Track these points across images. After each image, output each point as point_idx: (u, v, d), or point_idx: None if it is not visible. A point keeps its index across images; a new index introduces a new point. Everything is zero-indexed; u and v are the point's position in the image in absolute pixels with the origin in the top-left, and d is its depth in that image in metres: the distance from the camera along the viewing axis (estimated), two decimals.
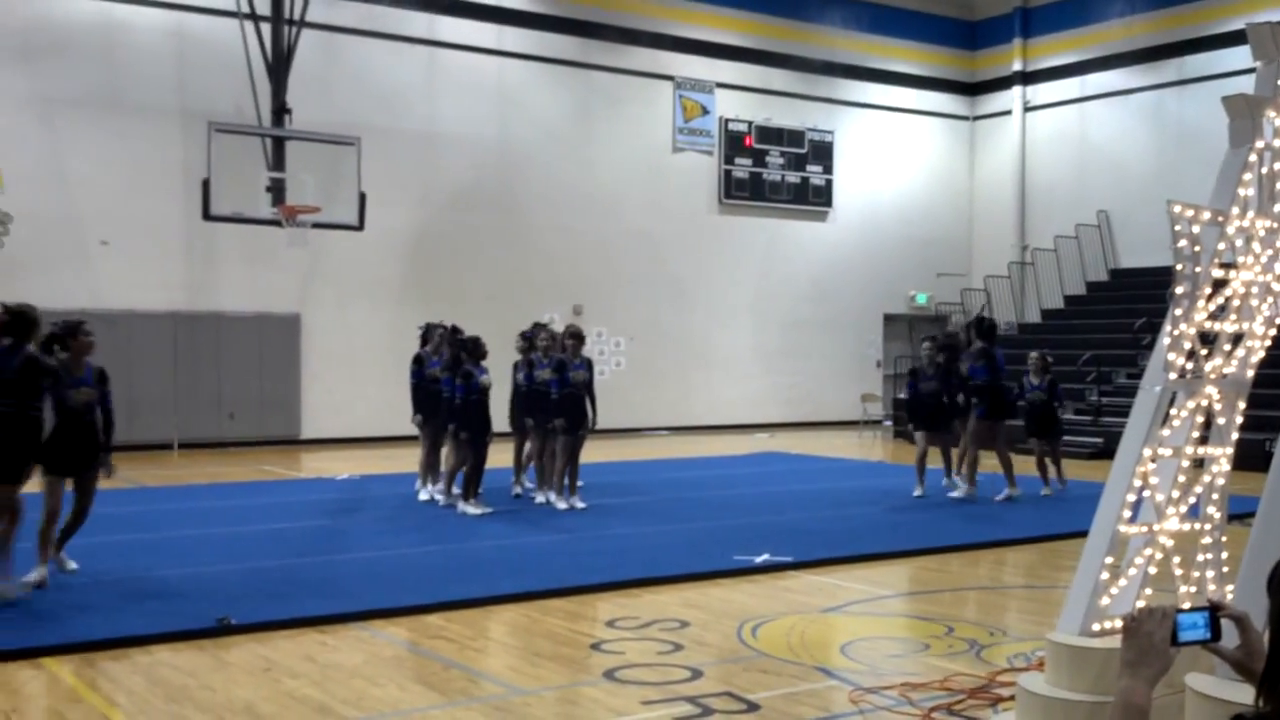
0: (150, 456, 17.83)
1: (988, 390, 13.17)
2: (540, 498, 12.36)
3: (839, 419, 25.05)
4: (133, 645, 6.86)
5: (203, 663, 6.63)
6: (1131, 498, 5.08)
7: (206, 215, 16.47)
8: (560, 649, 6.90)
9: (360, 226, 17.35)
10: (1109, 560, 5.03)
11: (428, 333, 12.79)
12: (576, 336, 12.24)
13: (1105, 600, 5.01)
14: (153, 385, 18.52)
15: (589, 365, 12.22)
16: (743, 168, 24.43)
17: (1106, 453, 17.98)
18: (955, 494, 13.22)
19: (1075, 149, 25.67)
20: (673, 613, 7.75)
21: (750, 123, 24.50)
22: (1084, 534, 5.28)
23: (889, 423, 23.86)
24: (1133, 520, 5.10)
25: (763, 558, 9.31)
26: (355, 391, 19.73)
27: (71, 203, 18.11)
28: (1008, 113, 26.85)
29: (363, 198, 17.11)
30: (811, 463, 17.51)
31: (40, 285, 17.80)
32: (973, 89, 27.58)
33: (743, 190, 24.44)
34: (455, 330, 12.19)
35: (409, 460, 14.13)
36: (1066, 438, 19.31)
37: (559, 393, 11.84)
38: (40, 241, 17.84)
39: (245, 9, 17.02)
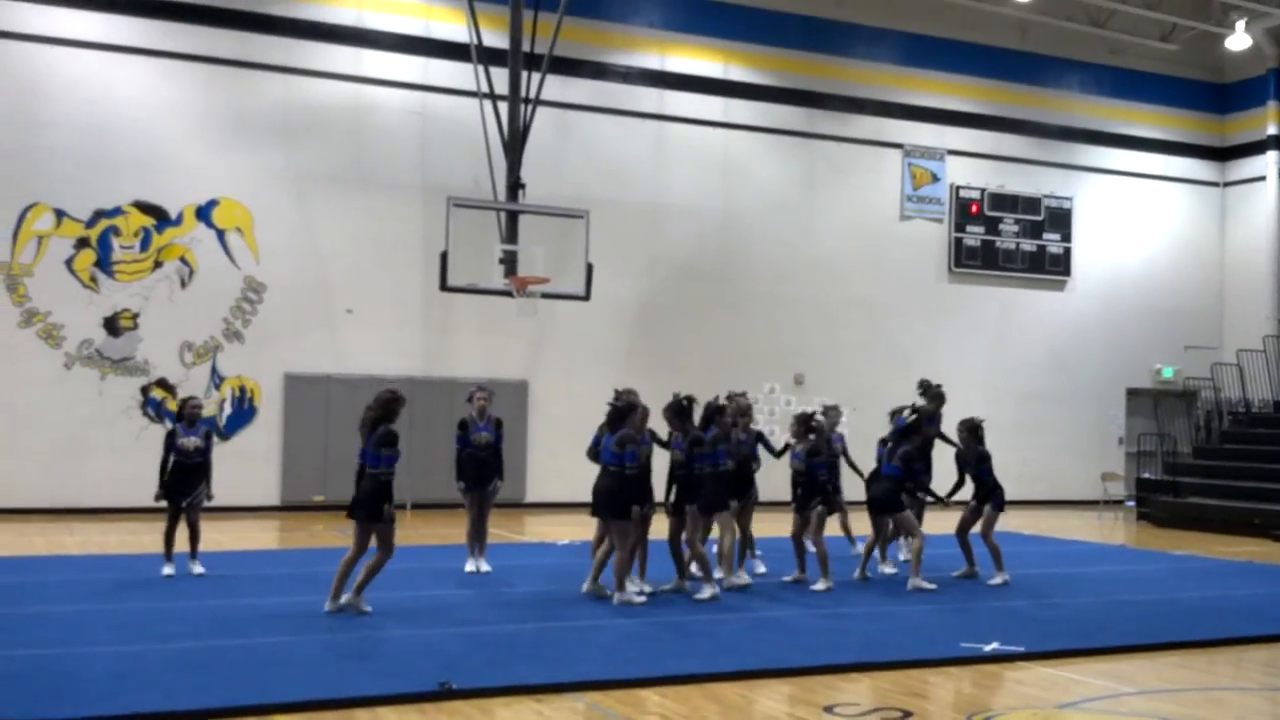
0: None
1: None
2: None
3: (1077, 498, 23.93)
4: (358, 705, 7.03)
5: None
6: None
7: (444, 286, 17.11)
8: None
9: (587, 297, 17.71)
10: None
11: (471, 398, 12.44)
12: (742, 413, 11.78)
13: None
14: None
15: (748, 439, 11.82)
16: (974, 235, 23.85)
17: None
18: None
19: None
20: (895, 701, 7.44)
21: (983, 190, 23.94)
22: None
23: (1132, 503, 22.63)
24: None
25: (992, 646, 8.86)
26: (579, 457, 19.89)
27: (320, 273, 19.16)
28: (1261, 178, 25.40)
29: (590, 269, 17.48)
30: (1046, 545, 16.71)
31: (289, 350, 18.94)
32: (1223, 154, 26.22)
33: (974, 258, 23.85)
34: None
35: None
36: None
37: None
38: (291, 309, 18.95)
39: (485, 89, 17.75)
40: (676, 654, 8.49)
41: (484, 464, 12.25)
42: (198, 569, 11.62)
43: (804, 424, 11.85)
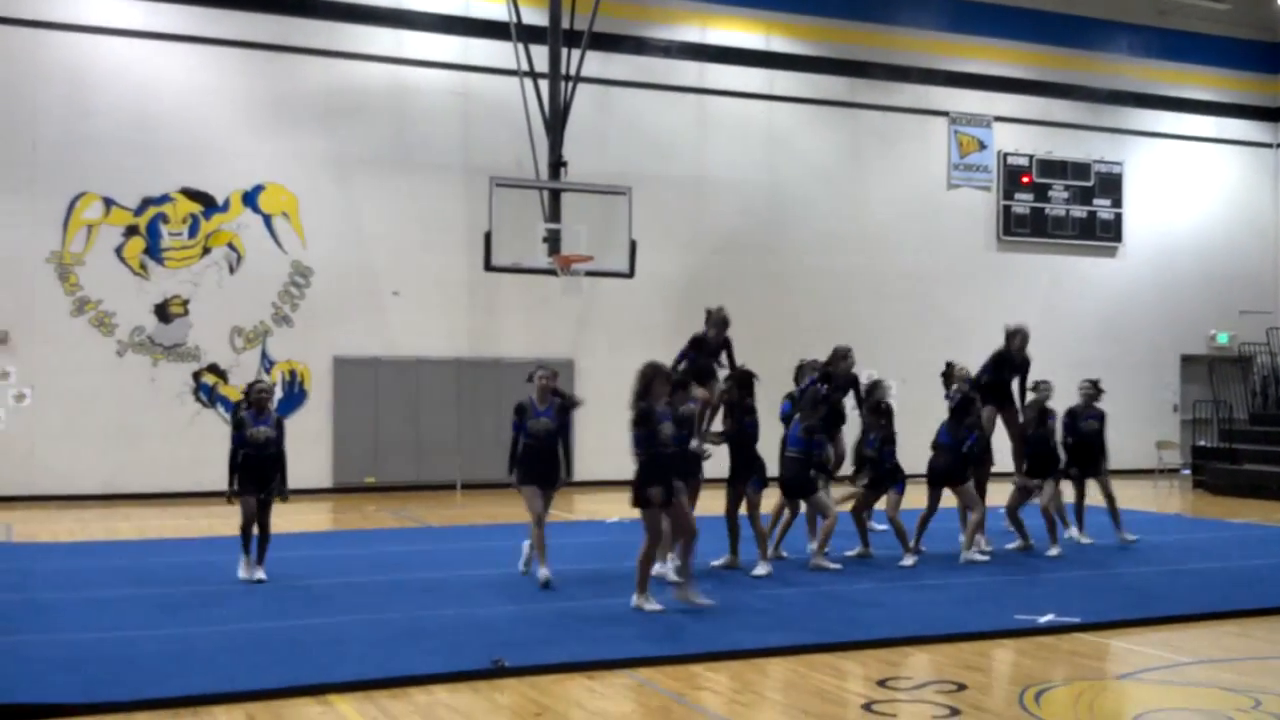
0: (436, 496, 18.67)
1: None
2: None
3: (1131, 467, 23.61)
4: (412, 684, 7.07)
5: (477, 704, 6.77)
6: None
7: (488, 266, 17.15)
8: (829, 708, 6.67)
9: (631, 274, 17.70)
10: None
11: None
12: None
13: None
14: (438, 428, 19.41)
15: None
16: (1023, 203, 23.55)
17: None
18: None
19: None
20: (949, 674, 7.39)
21: (1031, 156, 23.62)
22: None
23: (1188, 471, 22.32)
24: None
25: (1047, 618, 8.78)
26: (626, 434, 19.99)
27: (366, 256, 19.24)
28: None
29: (633, 245, 17.45)
30: (1101, 515, 16.49)
31: (337, 333, 19.05)
32: (1276, 114, 25.69)
33: (1023, 226, 23.55)
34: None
35: None
36: None
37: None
38: (338, 293, 19.05)
39: (525, 68, 17.71)
40: (730, 629, 8.48)
41: (542, 455, 10.38)
42: (259, 574, 10.36)
43: (876, 412, 11.78)
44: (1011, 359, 12.77)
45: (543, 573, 10.05)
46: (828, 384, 11.93)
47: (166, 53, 18.34)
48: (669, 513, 9.13)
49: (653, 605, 9.03)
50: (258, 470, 10.32)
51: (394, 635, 8.21)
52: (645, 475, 9.09)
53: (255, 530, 10.42)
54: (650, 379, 9.30)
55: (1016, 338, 12.92)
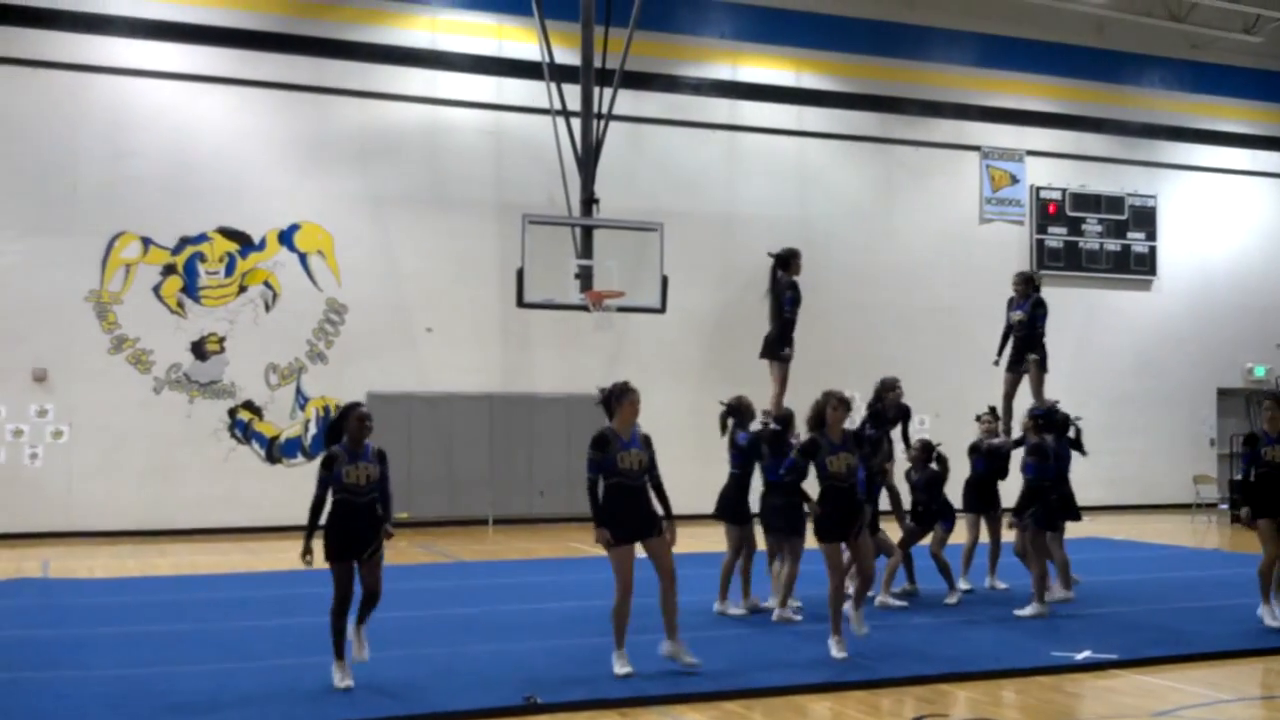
0: (468, 532, 18.71)
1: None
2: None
3: (1168, 502, 23.40)
4: None
5: None
6: None
7: (520, 302, 17.25)
8: None
9: (663, 309, 17.75)
10: None
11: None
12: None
13: None
14: (471, 464, 19.48)
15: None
16: (1057, 237, 23.49)
17: None
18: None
19: None
20: (985, 712, 7.32)
21: (1064, 190, 23.57)
22: None
23: (1225, 506, 22.06)
24: None
25: (1084, 654, 8.68)
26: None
27: (400, 293, 19.39)
28: None
29: (665, 281, 17.51)
30: (1138, 550, 16.36)
31: (372, 370, 19.17)
32: None
33: (1057, 260, 23.47)
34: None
35: (711, 539, 14.03)
36: None
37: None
38: (372, 329, 19.19)
39: (558, 106, 17.86)
40: (763, 667, 8.44)
41: (635, 500, 8.25)
42: (363, 652, 7.88)
43: (926, 452, 11.79)
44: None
45: (620, 665, 8.09)
46: (876, 422, 11.49)
47: (204, 94, 18.61)
48: (851, 548, 8.84)
49: (842, 654, 8.55)
50: (356, 523, 7.64)
51: (427, 672, 8.22)
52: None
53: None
54: (821, 407, 8.85)
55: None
